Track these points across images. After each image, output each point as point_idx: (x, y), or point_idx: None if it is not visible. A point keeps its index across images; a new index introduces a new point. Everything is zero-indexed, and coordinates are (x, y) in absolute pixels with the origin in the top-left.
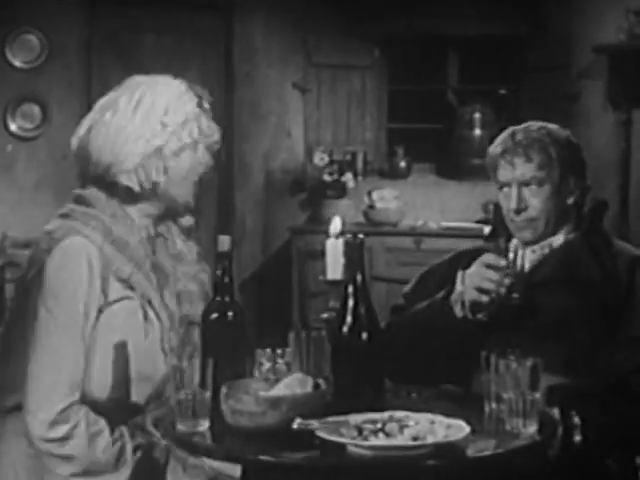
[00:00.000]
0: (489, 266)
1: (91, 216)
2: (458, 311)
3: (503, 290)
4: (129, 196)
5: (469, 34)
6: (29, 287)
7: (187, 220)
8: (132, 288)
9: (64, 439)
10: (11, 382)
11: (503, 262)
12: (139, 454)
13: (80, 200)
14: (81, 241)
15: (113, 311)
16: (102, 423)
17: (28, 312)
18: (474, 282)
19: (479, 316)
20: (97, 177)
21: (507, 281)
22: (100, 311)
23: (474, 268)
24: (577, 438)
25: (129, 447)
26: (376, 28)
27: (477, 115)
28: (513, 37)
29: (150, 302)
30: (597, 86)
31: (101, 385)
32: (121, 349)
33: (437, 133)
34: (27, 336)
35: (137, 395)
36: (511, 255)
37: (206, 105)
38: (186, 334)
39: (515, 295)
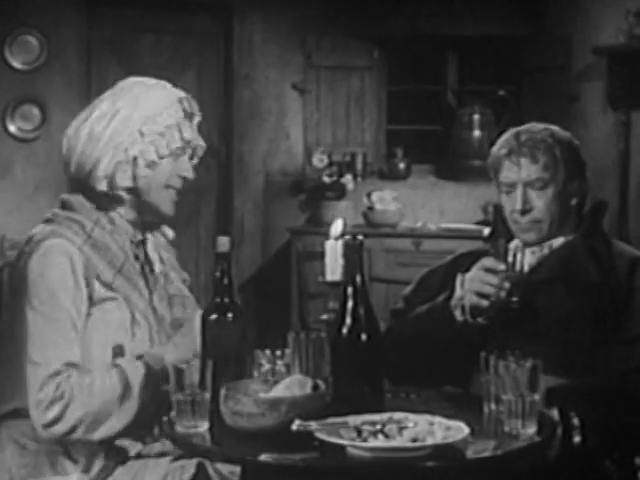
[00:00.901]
0: (488, 270)
1: (73, 220)
2: (458, 315)
3: (503, 294)
4: (107, 202)
5: (468, 35)
6: (14, 292)
7: (168, 232)
8: (115, 291)
9: (62, 413)
10: (5, 389)
11: (502, 266)
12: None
13: (65, 205)
14: (61, 242)
15: (98, 312)
16: (92, 374)
17: (16, 316)
18: (473, 286)
19: (479, 320)
20: (79, 181)
21: (506, 285)
22: (87, 312)
23: (473, 272)
24: (576, 439)
25: (131, 377)
26: (375, 29)
27: (476, 116)
28: (512, 38)
29: (135, 305)
30: (596, 87)
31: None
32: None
33: (436, 134)
34: (18, 338)
35: None
36: (510, 258)
37: (195, 118)
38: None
39: (515, 299)
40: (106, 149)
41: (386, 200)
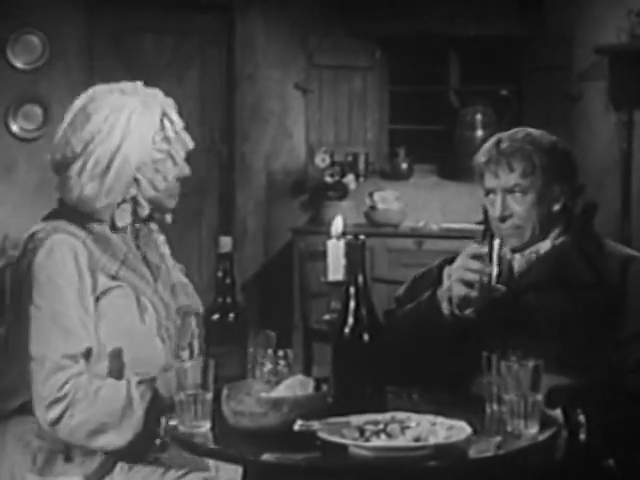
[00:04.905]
0: (473, 256)
1: (73, 213)
2: (445, 307)
3: (486, 279)
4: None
5: (470, 35)
6: (18, 291)
7: (167, 217)
8: (120, 281)
9: (64, 413)
10: (12, 385)
11: (485, 249)
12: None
13: (63, 202)
14: (65, 237)
15: (105, 301)
16: (105, 380)
17: (20, 315)
18: (459, 275)
19: (467, 312)
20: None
21: (488, 269)
22: (95, 303)
23: (458, 260)
24: (582, 436)
25: (135, 393)
26: (377, 29)
27: (478, 116)
28: (515, 38)
29: (143, 293)
30: (599, 87)
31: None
32: (117, 355)
33: (438, 134)
34: (22, 336)
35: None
36: (496, 242)
37: (179, 124)
38: (183, 324)
39: (499, 286)
40: (102, 194)
41: (388, 200)
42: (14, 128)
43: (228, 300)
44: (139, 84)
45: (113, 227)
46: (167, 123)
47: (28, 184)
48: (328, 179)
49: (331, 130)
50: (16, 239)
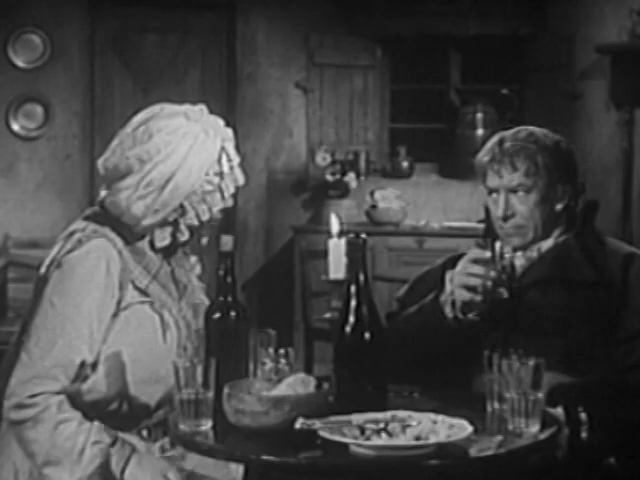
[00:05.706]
0: (474, 261)
1: (115, 222)
2: (448, 311)
3: (489, 284)
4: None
5: (471, 34)
6: (43, 284)
7: (203, 239)
8: (148, 296)
9: (27, 422)
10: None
11: (488, 254)
12: (97, 450)
13: (103, 205)
14: (104, 243)
15: (130, 313)
16: (74, 414)
17: (33, 306)
18: (461, 280)
19: (470, 316)
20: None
21: (493, 273)
22: (115, 314)
23: (461, 265)
24: (584, 434)
25: (92, 443)
26: (378, 27)
27: (479, 115)
28: (515, 37)
29: (169, 310)
30: (600, 86)
31: (104, 383)
32: (116, 358)
33: (439, 133)
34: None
35: (149, 396)
36: (497, 246)
37: (236, 158)
38: (199, 347)
39: (502, 290)
40: (149, 214)
41: (389, 198)
42: (15, 127)
43: (229, 299)
44: (204, 109)
45: (151, 245)
46: (224, 158)
47: (29, 183)
48: (329, 177)
49: (332, 129)
50: (17, 238)
